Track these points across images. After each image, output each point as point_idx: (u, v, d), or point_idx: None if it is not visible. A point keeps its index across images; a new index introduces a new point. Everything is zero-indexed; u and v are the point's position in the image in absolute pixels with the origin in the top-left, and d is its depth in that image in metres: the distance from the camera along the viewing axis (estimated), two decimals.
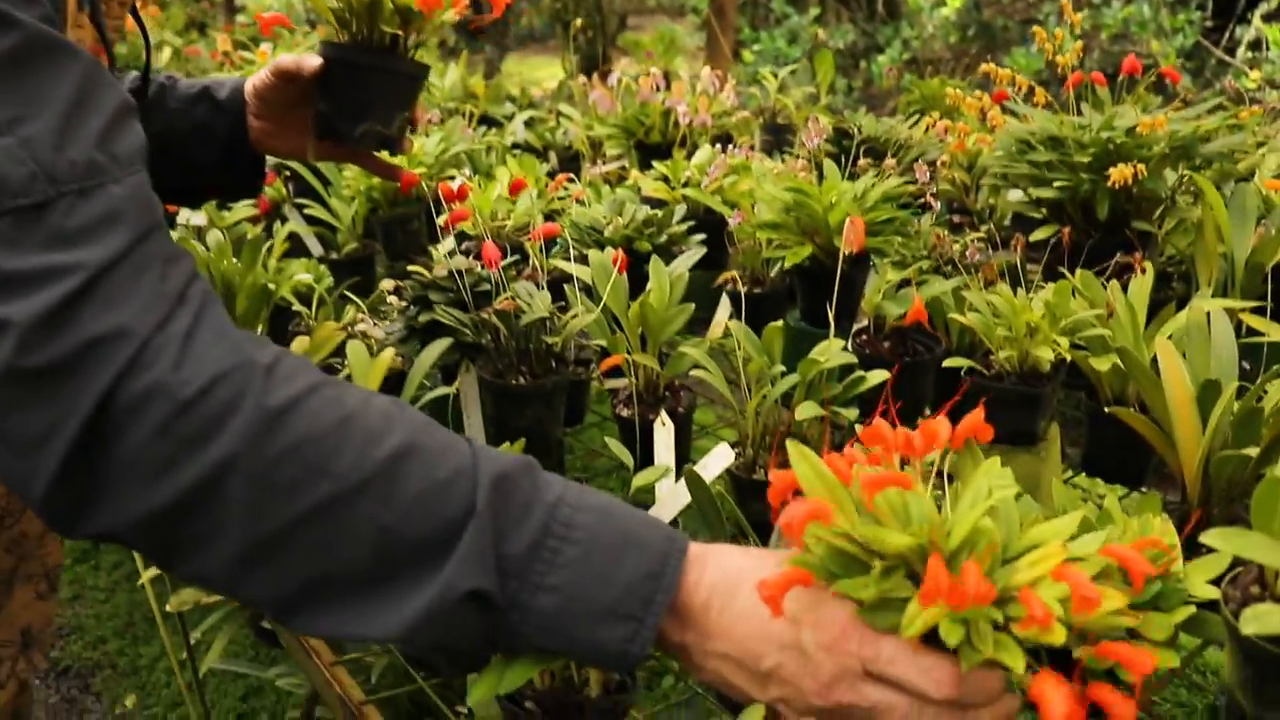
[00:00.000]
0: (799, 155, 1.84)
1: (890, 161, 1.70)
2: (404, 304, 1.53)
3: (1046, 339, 1.30)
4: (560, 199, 1.95)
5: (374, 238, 2.35)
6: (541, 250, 1.60)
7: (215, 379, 0.70)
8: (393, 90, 1.30)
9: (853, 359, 1.28)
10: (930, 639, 0.74)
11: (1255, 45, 5.04)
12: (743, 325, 1.31)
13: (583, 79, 2.98)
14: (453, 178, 1.70)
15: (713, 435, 1.67)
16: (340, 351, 1.45)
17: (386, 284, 1.58)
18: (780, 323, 1.30)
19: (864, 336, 1.52)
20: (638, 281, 1.46)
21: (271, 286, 1.70)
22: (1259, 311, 1.37)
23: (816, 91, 3.19)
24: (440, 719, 1.16)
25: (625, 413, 1.40)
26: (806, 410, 1.20)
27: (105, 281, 0.70)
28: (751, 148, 2.15)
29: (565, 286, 1.48)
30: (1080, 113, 1.66)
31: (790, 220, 1.59)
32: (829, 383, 1.27)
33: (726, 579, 0.79)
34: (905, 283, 1.50)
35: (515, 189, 1.68)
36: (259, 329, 1.75)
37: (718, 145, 2.03)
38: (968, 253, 1.54)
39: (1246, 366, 1.23)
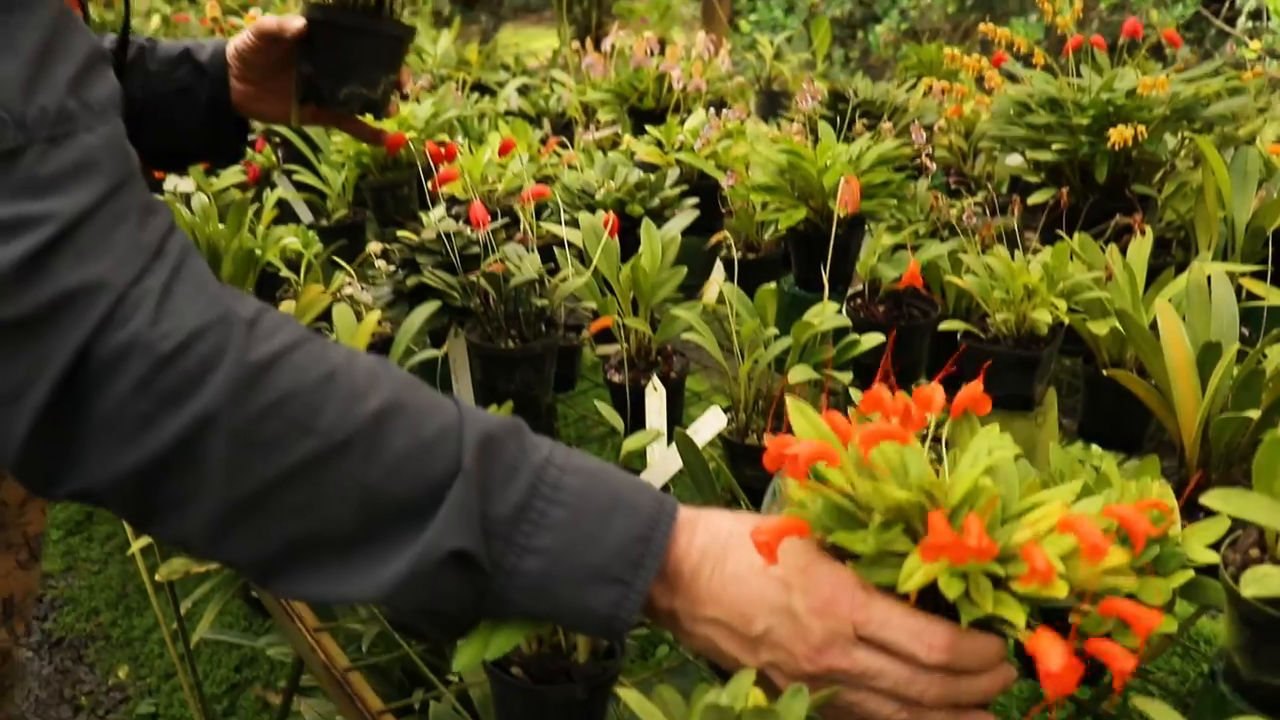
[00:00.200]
0: (794, 119, 1.81)
1: (886, 125, 1.67)
2: (392, 268, 1.51)
3: (1044, 301, 1.29)
4: (553, 165, 1.92)
5: (364, 204, 2.33)
6: (532, 215, 1.58)
7: (195, 333, 0.69)
8: (377, 52, 1.28)
9: (847, 322, 1.27)
10: (925, 604, 0.73)
11: (1255, 15, 5.00)
12: (735, 287, 1.30)
13: (576, 45, 2.94)
14: (442, 143, 1.68)
15: (705, 401, 1.66)
16: (326, 316, 1.43)
17: (374, 247, 1.55)
18: (773, 285, 1.28)
19: (858, 300, 1.50)
20: (630, 246, 1.45)
21: (258, 252, 1.68)
22: (1259, 276, 1.35)
23: (813, 58, 3.15)
24: (431, 687, 1.15)
25: (617, 378, 1.39)
26: (800, 373, 1.19)
27: (79, 232, 0.68)
28: (747, 112, 2.12)
29: (556, 250, 1.46)
30: (1080, 76, 1.64)
31: (784, 183, 1.57)
32: (823, 346, 1.25)
33: (717, 543, 0.78)
34: (901, 246, 1.48)
35: (504, 149, 1.66)
36: (236, 289, 1.72)
37: (711, 110, 2.00)
38: (964, 216, 1.52)
39: (1245, 332, 1.22)
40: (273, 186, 2.37)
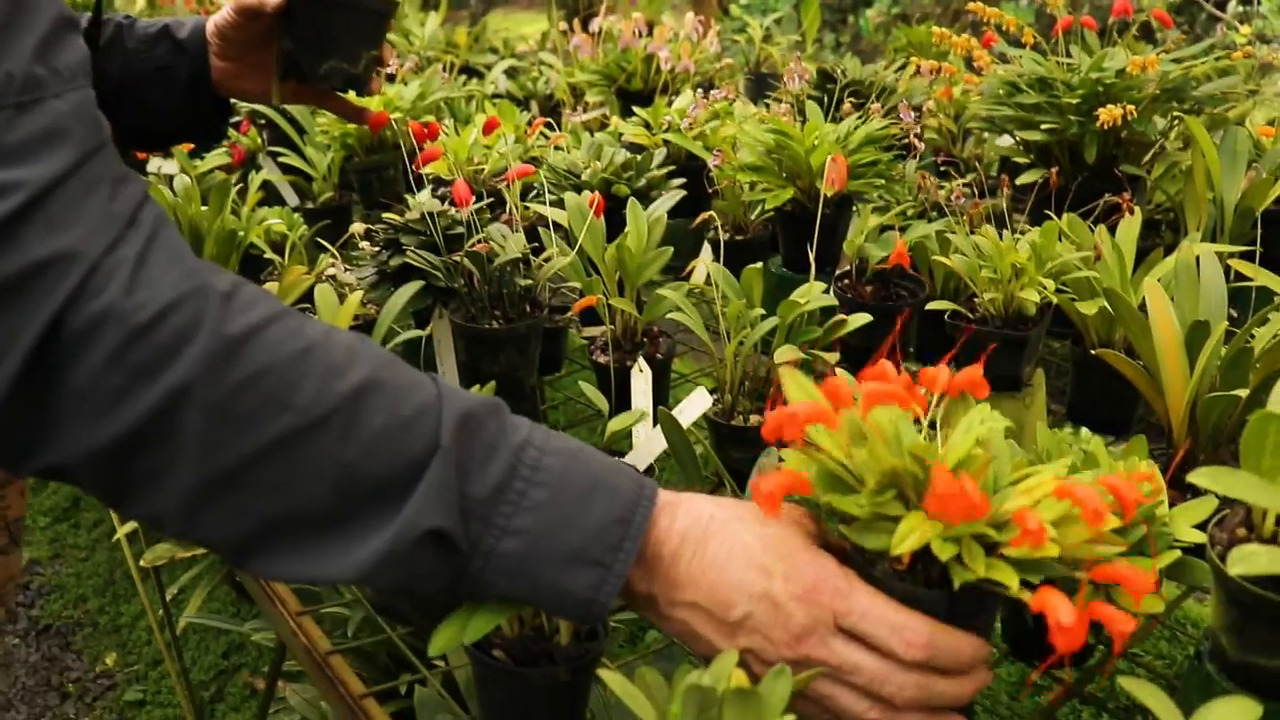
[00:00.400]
0: (782, 100, 1.80)
1: (875, 105, 1.66)
2: (375, 248, 1.49)
3: (1032, 281, 1.28)
4: (539, 146, 1.91)
5: (350, 187, 2.31)
6: (518, 195, 1.57)
7: (170, 305, 0.67)
8: (357, 26, 1.26)
9: (834, 302, 1.26)
10: (915, 573, 0.72)
11: (1245, 0, 5.00)
12: (721, 268, 1.28)
13: (564, 26, 2.92)
14: (426, 123, 1.66)
15: (692, 384, 1.65)
16: (309, 297, 1.42)
17: (357, 228, 1.54)
18: (760, 265, 1.27)
19: (846, 281, 1.49)
20: (617, 227, 1.43)
21: (240, 233, 1.66)
22: (1248, 257, 1.35)
23: (802, 41, 3.14)
24: (416, 671, 1.14)
25: (602, 359, 1.38)
26: (786, 353, 1.18)
27: (50, 201, 0.66)
28: (735, 93, 2.11)
29: (541, 231, 1.45)
30: (1069, 56, 1.63)
31: (772, 163, 1.56)
32: (809, 326, 1.24)
33: (698, 527, 0.77)
34: (888, 227, 1.48)
35: (489, 128, 1.64)
36: (212, 263, 1.71)
37: (699, 91, 1.98)
38: (953, 197, 1.51)
39: (1234, 313, 1.21)
40: (258, 169, 2.35)
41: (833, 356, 1.21)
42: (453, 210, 1.44)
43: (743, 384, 1.26)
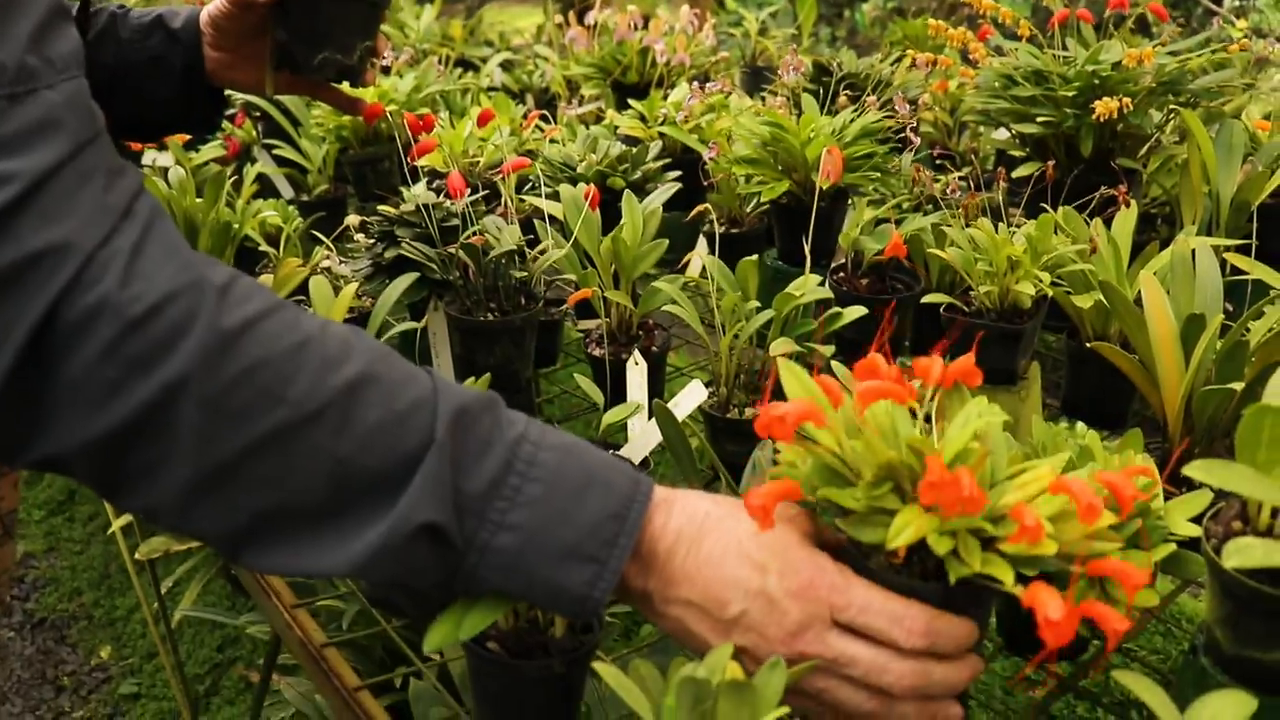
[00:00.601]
0: (778, 93, 1.80)
1: (871, 98, 1.66)
2: (370, 241, 1.49)
3: (1028, 274, 1.28)
4: (535, 139, 1.91)
5: (345, 180, 2.31)
6: (513, 188, 1.56)
7: (165, 297, 0.67)
8: (351, 17, 1.26)
9: (829, 295, 1.26)
10: (911, 566, 0.72)
11: None
12: (717, 260, 1.28)
13: (560, 19, 2.92)
14: (422, 116, 1.66)
15: (687, 377, 1.65)
16: (304, 290, 1.42)
17: (352, 220, 1.54)
18: (754, 258, 1.27)
19: (841, 274, 1.49)
20: (612, 219, 1.43)
21: (235, 225, 1.66)
22: (1244, 250, 1.35)
23: (798, 34, 3.13)
24: (411, 664, 1.14)
25: (598, 352, 1.38)
26: (781, 346, 1.18)
27: (44, 192, 0.66)
28: (731, 86, 2.10)
29: (536, 223, 1.45)
30: (1065, 49, 1.63)
31: (767, 156, 1.55)
32: (805, 319, 1.24)
33: (693, 524, 0.77)
34: (884, 220, 1.47)
35: (484, 120, 1.64)
36: (207, 255, 1.71)
37: (695, 84, 1.98)
38: (949, 190, 1.51)
39: (1230, 307, 1.21)
40: (253, 161, 2.34)
41: (828, 349, 1.21)
42: (448, 202, 1.44)
43: (738, 377, 1.26)
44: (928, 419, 0.76)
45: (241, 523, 0.71)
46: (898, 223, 1.44)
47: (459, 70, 3.01)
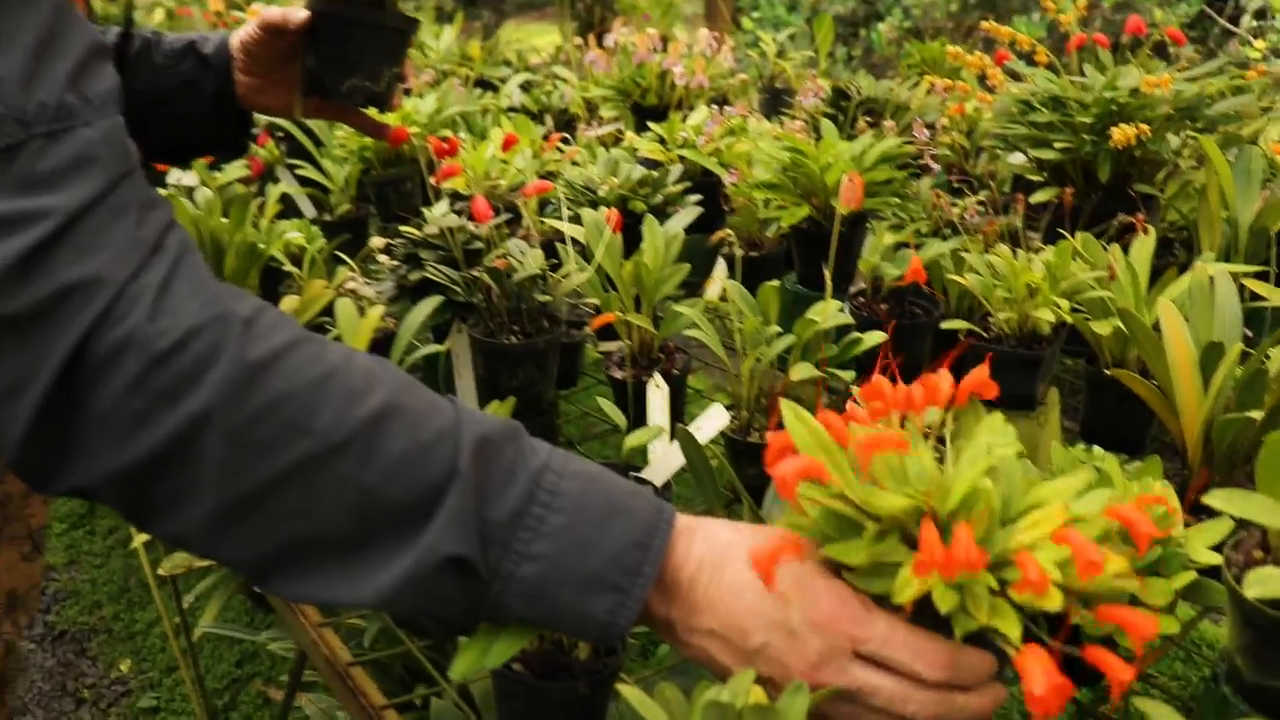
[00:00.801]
0: (797, 117, 1.81)
1: (889, 123, 1.67)
2: (394, 263, 1.50)
3: (1046, 300, 1.28)
4: (555, 160, 1.92)
5: (367, 200, 2.33)
6: (536, 211, 1.58)
7: (192, 331, 0.68)
8: (380, 44, 1.28)
9: (849, 320, 1.27)
10: (921, 613, 0.72)
11: (1260, 14, 4.99)
12: (737, 285, 1.29)
13: (579, 41, 2.94)
14: (445, 138, 1.68)
15: (707, 399, 1.66)
16: (329, 311, 1.43)
17: (377, 242, 1.55)
18: (776, 283, 1.28)
19: (861, 298, 1.50)
20: (633, 242, 1.44)
21: (261, 245, 1.67)
22: (1262, 277, 1.35)
23: (816, 56, 3.15)
24: (435, 683, 1.15)
25: (619, 375, 1.39)
26: (802, 371, 1.19)
27: (78, 228, 0.67)
28: (750, 108, 2.12)
29: (558, 246, 1.46)
30: (1082, 75, 1.64)
31: (787, 180, 1.57)
32: (825, 344, 1.25)
33: (714, 552, 0.77)
34: (903, 244, 1.48)
35: (508, 144, 1.66)
36: (249, 288, 1.73)
37: (714, 107, 2.00)
38: (967, 215, 1.51)
39: (1249, 334, 1.21)
40: (276, 181, 2.37)
41: (848, 374, 1.22)
42: (471, 225, 1.46)
43: (759, 400, 1.27)
44: (940, 440, 0.76)
45: (268, 552, 0.72)
46: (917, 248, 1.45)
47: (478, 90, 3.03)
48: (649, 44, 2.43)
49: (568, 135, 2.09)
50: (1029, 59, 1.70)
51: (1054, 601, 0.65)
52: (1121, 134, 1.44)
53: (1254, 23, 4.85)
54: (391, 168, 2.28)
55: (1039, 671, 0.63)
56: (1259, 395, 1.04)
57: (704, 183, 1.84)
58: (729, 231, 1.49)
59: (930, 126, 1.71)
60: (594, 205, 1.63)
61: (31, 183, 0.67)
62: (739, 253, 1.45)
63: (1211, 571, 0.84)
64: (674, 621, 0.77)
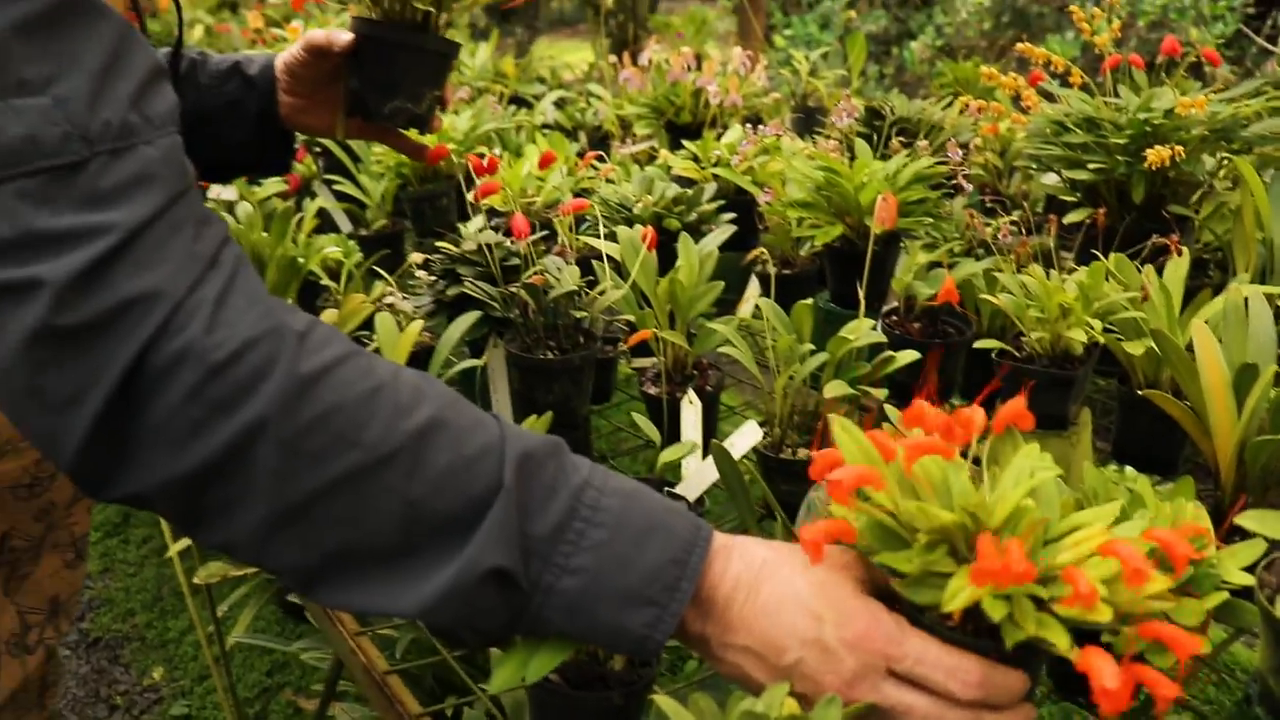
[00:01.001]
0: (830, 136, 1.82)
1: (923, 143, 1.68)
2: (432, 278, 1.53)
3: (1079, 321, 1.29)
4: (590, 178, 1.94)
5: (403, 215, 2.36)
6: (571, 227, 1.60)
7: (247, 344, 0.71)
8: (423, 68, 1.30)
9: (882, 339, 1.28)
10: (965, 624, 0.73)
11: None
12: (771, 303, 1.31)
13: (613, 59, 2.97)
14: (481, 155, 1.70)
15: (740, 416, 1.67)
16: (368, 324, 1.46)
17: (415, 257, 1.58)
18: (809, 301, 1.29)
19: (894, 317, 1.50)
20: (667, 260, 1.46)
21: (301, 259, 1.70)
22: None
23: (848, 75, 3.16)
24: (465, 693, 1.16)
25: (653, 390, 1.40)
26: (835, 389, 1.20)
27: (138, 242, 0.70)
28: (783, 127, 2.13)
29: (594, 263, 1.48)
30: (1117, 95, 1.64)
31: (821, 200, 1.58)
32: (858, 362, 1.26)
33: (750, 570, 0.79)
34: (936, 264, 1.49)
35: (545, 162, 1.68)
36: (289, 301, 1.76)
37: (748, 125, 2.01)
38: (1000, 235, 1.52)
39: None
40: (313, 196, 2.40)
41: (880, 393, 1.23)
42: (509, 242, 1.48)
43: (792, 417, 1.28)
44: (976, 462, 0.77)
45: (314, 561, 0.73)
46: (950, 267, 1.46)
47: (513, 107, 3.06)
48: (683, 62, 2.45)
49: (602, 153, 2.11)
50: (1063, 79, 1.70)
51: (1103, 615, 0.66)
52: (1156, 155, 1.45)
53: None
54: (428, 183, 2.30)
55: (1107, 667, 0.64)
56: None
57: (738, 201, 1.85)
58: (763, 250, 1.50)
59: (964, 146, 1.72)
60: (629, 223, 1.65)
61: (95, 199, 0.69)
62: (772, 271, 1.47)
63: (1244, 592, 0.84)
64: (709, 637, 0.78)
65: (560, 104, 3.17)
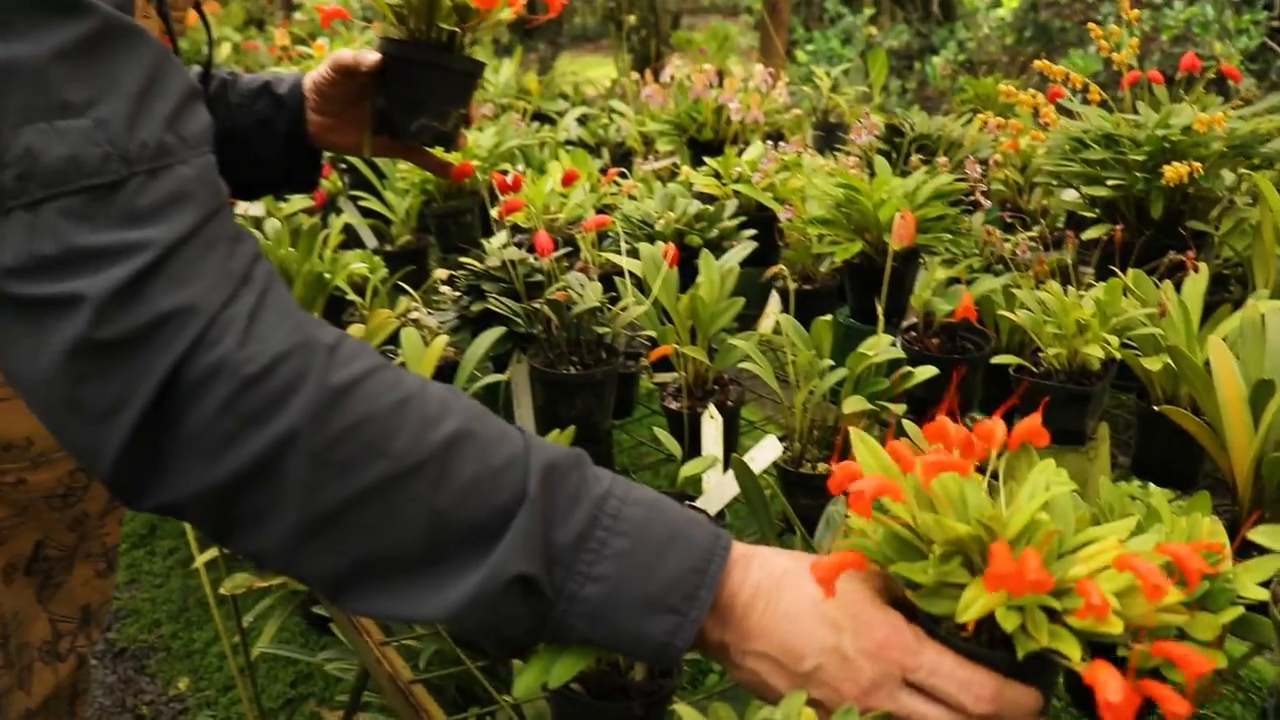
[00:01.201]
0: (850, 152, 1.84)
1: (942, 159, 1.69)
2: (457, 293, 1.55)
3: (1096, 337, 1.30)
4: (612, 194, 1.96)
5: (427, 231, 2.38)
6: (594, 243, 1.62)
7: (279, 357, 0.73)
8: (448, 86, 1.32)
9: (901, 354, 1.29)
10: (979, 635, 0.75)
11: None
12: (791, 319, 1.32)
13: (635, 76, 2.99)
14: (505, 171, 1.72)
15: (760, 431, 1.68)
16: (394, 339, 1.48)
17: (440, 273, 1.60)
18: (829, 317, 1.31)
19: (913, 333, 1.52)
20: (689, 276, 1.48)
21: (327, 275, 1.73)
22: None
23: (870, 91, 3.18)
24: (486, 703, 1.18)
25: (674, 405, 1.42)
26: (854, 404, 1.21)
27: (174, 259, 0.72)
28: (804, 145, 2.15)
29: (616, 279, 1.50)
30: (1137, 111, 1.65)
31: (841, 216, 1.59)
32: (877, 378, 1.27)
33: (770, 579, 0.80)
34: (955, 280, 1.50)
35: (569, 180, 1.70)
36: (315, 316, 1.78)
37: (769, 142, 2.03)
38: (1018, 251, 1.53)
39: None
40: (339, 212, 2.43)
41: (899, 408, 1.24)
42: (532, 258, 1.50)
43: (811, 432, 1.29)
44: (994, 476, 0.79)
45: (343, 568, 0.75)
46: (969, 283, 1.47)
47: (536, 124, 3.09)
48: (705, 79, 2.47)
49: (624, 169, 2.13)
50: (1083, 95, 1.71)
51: (1114, 627, 0.68)
52: (1174, 172, 1.45)
53: None
54: (452, 200, 2.33)
55: (1113, 681, 0.65)
56: None
57: (759, 217, 1.87)
58: (783, 267, 1.52)
59: (983, 163, 1.73)
60: (651, 239, 1.67)
61: (133, 216, 0.72)
62: (792, 287, 1.48)
63: (1260, 607, 0.85)
64: (728, 644, 0.80)
65: (583, 120, 3.19)
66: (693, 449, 1.31)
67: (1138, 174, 1.55)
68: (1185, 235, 1.55)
